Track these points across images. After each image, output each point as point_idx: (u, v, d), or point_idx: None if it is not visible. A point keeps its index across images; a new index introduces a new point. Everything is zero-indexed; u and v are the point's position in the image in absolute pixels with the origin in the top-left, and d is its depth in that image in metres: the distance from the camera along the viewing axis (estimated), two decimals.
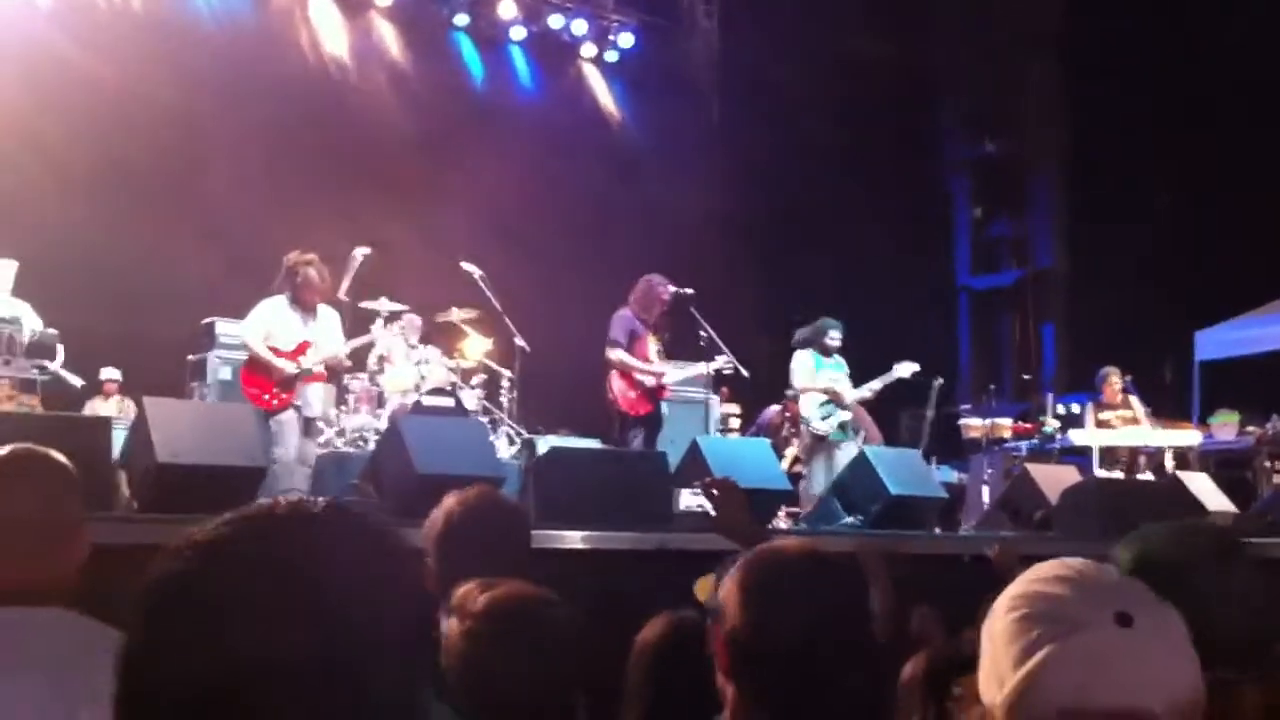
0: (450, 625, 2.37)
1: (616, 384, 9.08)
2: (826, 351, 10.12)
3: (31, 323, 7.55)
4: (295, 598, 1.03)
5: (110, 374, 11.00)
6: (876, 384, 10.15)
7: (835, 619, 2.09)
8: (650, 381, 9.10)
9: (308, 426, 8.27)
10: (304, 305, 8.31)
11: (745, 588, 2.09)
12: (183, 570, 1.04)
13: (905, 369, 10.23)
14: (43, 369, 7.29)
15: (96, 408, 10.66)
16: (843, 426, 9.94)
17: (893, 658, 3.02)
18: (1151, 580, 1.43)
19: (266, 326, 8.22)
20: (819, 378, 10.03)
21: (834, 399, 9.94)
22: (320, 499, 1.12)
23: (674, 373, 9.48)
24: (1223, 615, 1.79)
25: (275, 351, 8.17)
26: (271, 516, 1.08)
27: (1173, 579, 1.58)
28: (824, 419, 9.91)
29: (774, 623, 2.05)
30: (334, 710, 1.03)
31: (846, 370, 10.20)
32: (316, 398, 8.40)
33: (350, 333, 9.09)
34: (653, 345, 9.23)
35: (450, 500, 3.05)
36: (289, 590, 1.03)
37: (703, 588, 2.63)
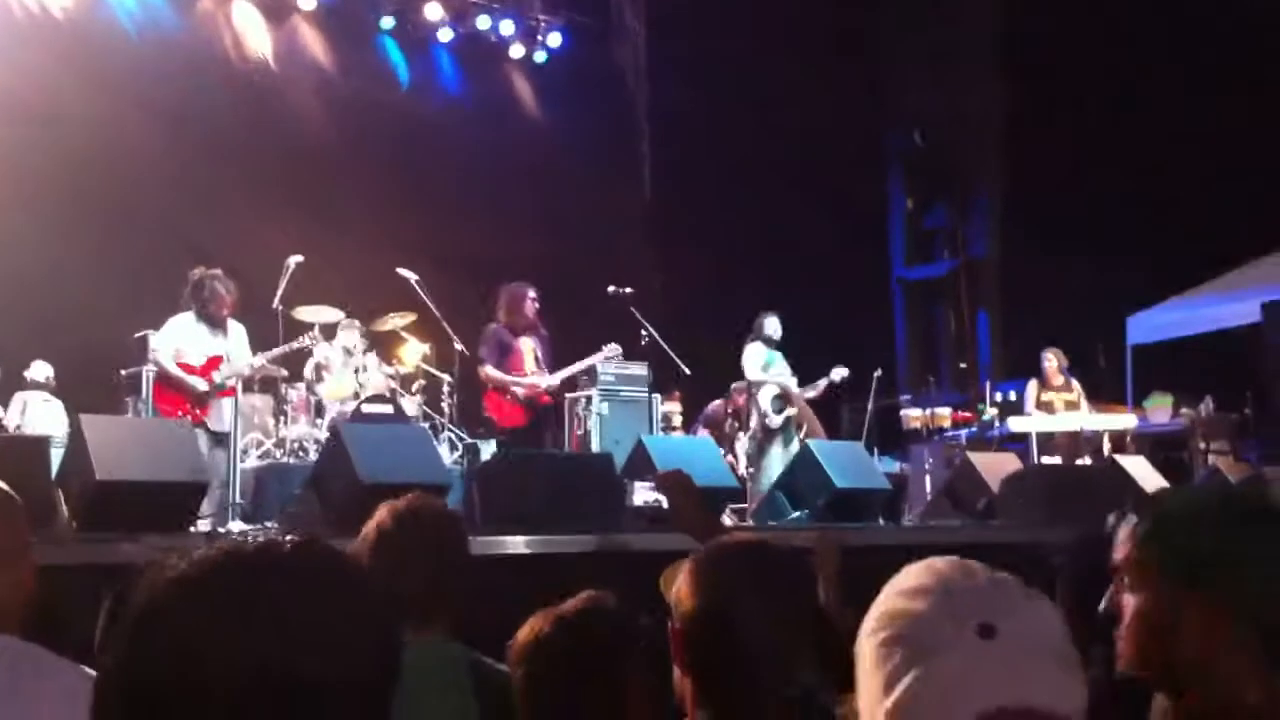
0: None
1: (491, 400, 9.24)
2: (772, 344, 10.33)
3: None
4: (261, 635, 1.08)
5: (41, 370, 10.64)
6: (818, 385, 10.46)
7: (785, 607, 2.11)
8: (523, 392, 9.12)
9: (218, 439, 8.29)
10: (212, 320, 8.40)
11: (696, 579, 2.12)
12: (156, 604, 1.10)
13: (838, 374, 10.56)
14: None
15: (26, 400, 10.39)
16: (789, 421, 10.10)
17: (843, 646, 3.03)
18: None
19: (176, 343, 8.31)
20: (771, 371, 10.21)
21: (784, 394, 10.12)
22: (290, 536, 1.17)
23: (557, 374, 9.48)
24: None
25: (186, 368, 8.27)
26: (240, 555, 1.13)
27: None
28: (778, 412, 10.11)
29: (725, 611, 2.07)
30: None
31: (788, 366, 10.40)
32: (227, 412, 8.45)
33: (286, 341, 9.04)
34: (529, 353, 9.28)
35: (381, 511, 3.00)
36: (255, 627, 1.09)
37: (669, 580, 2.64)
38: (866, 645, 1.32)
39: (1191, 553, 1.74)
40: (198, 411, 8.18)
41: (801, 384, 10.62)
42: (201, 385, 8.24)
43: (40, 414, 10.23)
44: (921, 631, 1.28)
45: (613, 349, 9.80)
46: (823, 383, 10.62)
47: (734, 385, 12.18)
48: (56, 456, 6.20)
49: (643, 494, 7.80)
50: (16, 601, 2.30)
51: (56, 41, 11.87)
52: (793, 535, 7.05)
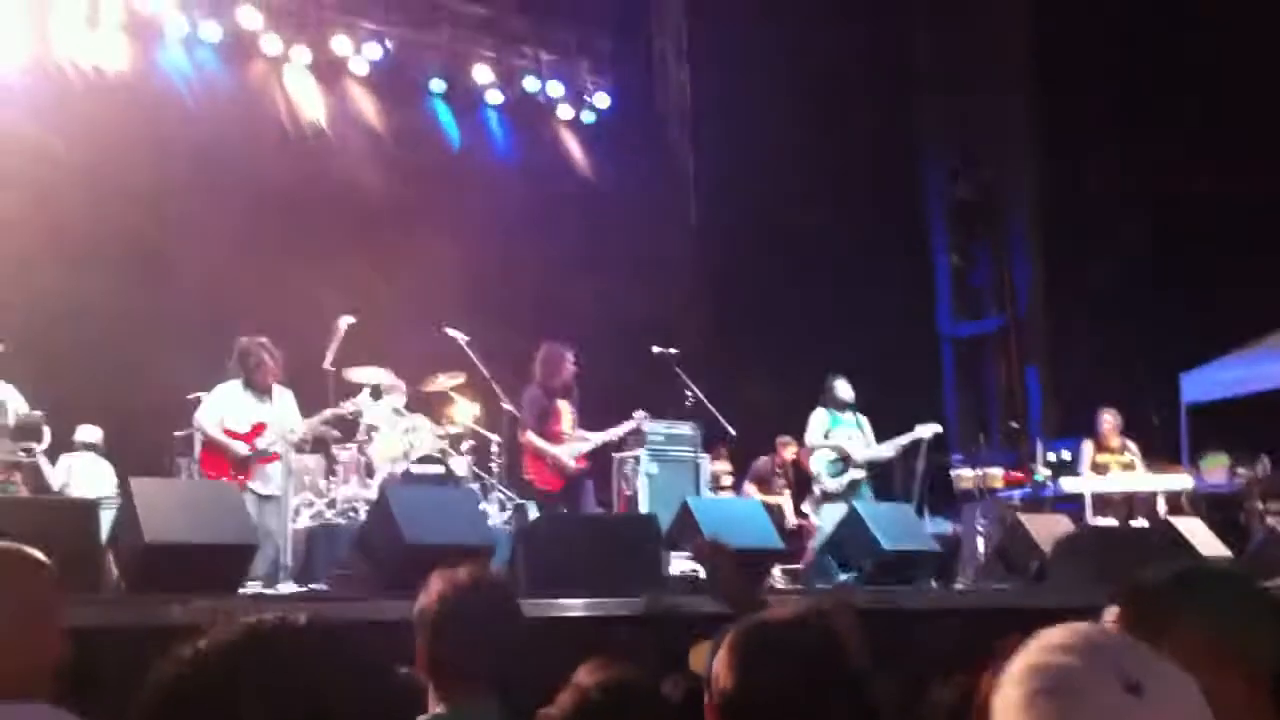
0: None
1: (530, 463, 9.34)
2: (840, 407, 10.28)
3: (16, 405, 7.54)
4: (276, 707, 1.15)
5: (91, 433, 10.78)
6: (894, 444, 10.36)
7: (822, 686, 2.14)
8: (560, 462, 9.23)
9: (264, 501, 8.43)
10: (258, 387, 8.59)
11: (735, 659, 2.15)
12: (178, 678, 1.19)
13: (927, 430, 10.40)
14: (29, 451, 7.24)
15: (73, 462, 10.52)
16: (854, 484, 10.04)
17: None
18: None
19: (221, 411, 8.51)
20: (834, 435, 10.18)
21: (844, 458, 10.08)
22: (303, 615, 1.19)
23: (590, 440, 9.49)
24: None
25: (230, 434, 8.45)
26: (256, 633, 1.20)
27: None
28: (834, 476, 10.07)
29: (763, 685, 2.10)
30: None
31: (868, 427, 10.30)
32: (276, 476, 8.60)
33: (336, 402, 9.14)
34: (566, 415, 9.38)
35: (440, 583, 3.01)
36: (269, 699, 1.15)
37: (698, 656, 2.65)
38: (1011, 696, 1.37)
39: None
40: (240, 477, 8.33)
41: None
42: (245, 451, 8.42)
43: (89, 475, 10.32)
44: (1072, 684, 1.34)
45: (642, 415, 9.82)
46: (904, 439, 10.45)
47: (779, 439, 12.16)
48: (106, 518, 6.26)
49: (680, 563, 7.77)
50: (45, 666, 2.39)
51: (111, 105, 12.09)
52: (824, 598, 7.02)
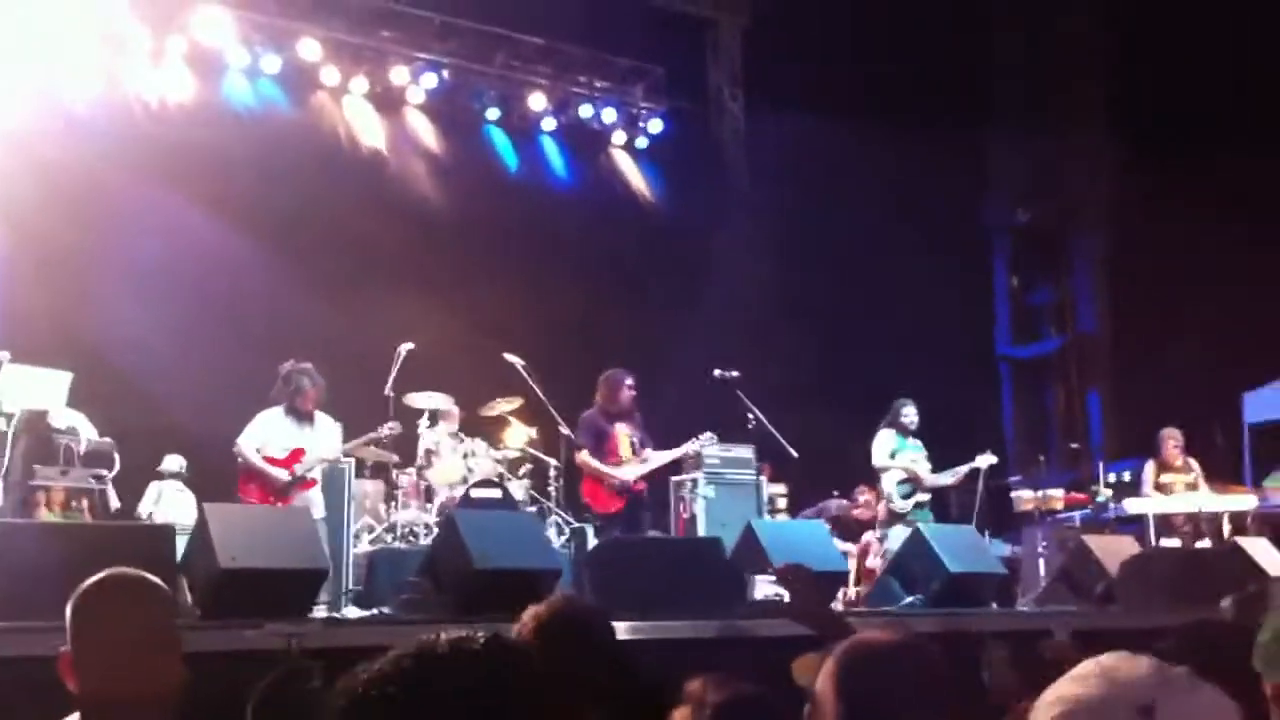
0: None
1: (587, 486, 9.33)
2: (905, 431, 10.29)
3: (87, 432, 7.67)
4: None
5: (174, 462, 11.01)
6: (953, 473, 10.35)
7: (927, 705, 2.13)
8: (617, 483, 9.19)
9: None
10: (299, 412, 8.68)
11: (840, 683, 2.15)
12: (360, 699, 1.22)
13: (985, 460, 10.45)
14: (100, 478, 7.37)
15: (160, 490, 10.74)
16: (920, 506, 10.05)
17: None
18: None
19: (261, 437, 8.59)
20: (900, 457, 10.18)
21: (912, 479, 10.08)
22: (480, 634, 1.21)
23: (649, 462, 9.48)
24: None
25: (269, 460, 8.53)
26: (435, 655, 1.24)
27: None
28: (904, 497, 10.08)
29: (869, 712, 2.10)
30: None
31: (924, 451, 10.32)
32: (318, 500, 8.68)
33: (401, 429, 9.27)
34: (624, 439, 9.37)
35: (535, 610, 3.08)
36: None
37: (802, 667, 2.66)
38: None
39: None
40: (278, 503, 8.40)
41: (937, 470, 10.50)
42: (283, 476, 8.51)
43: (174, 503, 10.58)
44: (1088, 712, 1.44)
45: (708, 438, 9.83)
46: (963, 469, 10.47)
47: (857, 490, 12.04)
48: (182, 544, 6.35)
49: (763, 587, 7.78)
50: (170, 689, 2.46)
51: (174, 137, 12.27)
52: (906, 622, 6.99)
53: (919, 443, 10.41)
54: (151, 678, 2.42)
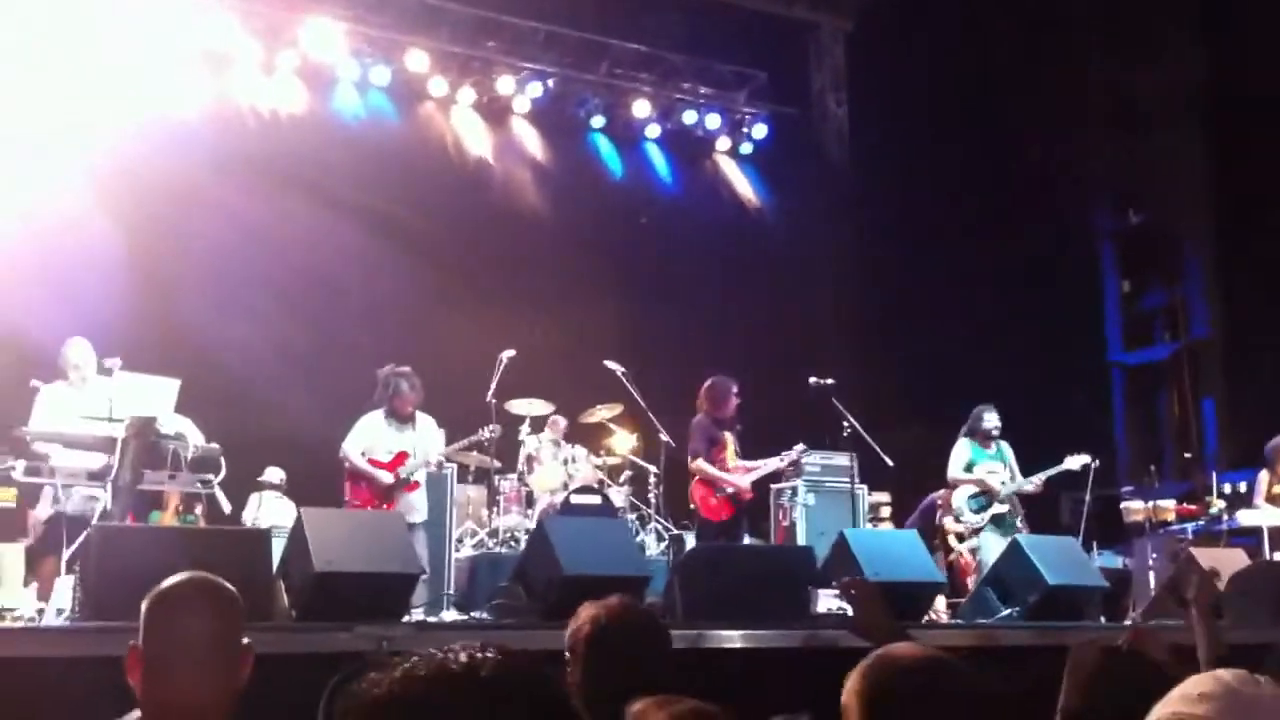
0: None
1: (699, 491, 9.31)
2: (986, 440, 9.93)
3: (195, 438, 7.90)
4: None
5: (274, 474, 11.32)
6: (1042, 476, 9.97)
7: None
8: (730, 490, 9.22)
9: (412, 530, 8.48)
10: (400, 416, 8.84)
11: (863, 695, 2.16)
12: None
13: (1076, 461, 9.99)
14: (207, 482, 7.57)
15: (262, 498, 11.03)
16: (997, 519, 9.73)
17: None
18: None
19: (364, 441, 8.79)
20: (976, 469, 9.87)
21: (985, 492, 9.79)
22: (489, 652, 1.29)
23: (757, 469, 9.54)
24: None
25: (374, 463, 8.73)
26: (441, 676, 1.26)
27: None
28: (975, 511, 9.78)
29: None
30: None
31: (1011, 458, 9.98)
32: (420, 503, 8.85)
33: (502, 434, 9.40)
34: (730, 446, 9.39)
35: (593, 609, 3.11)
36: None
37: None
38: None
39: None
40: (384, 506, 8.58)
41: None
42: (388, 479, 8.69)
43: (274, 510, 10.88)
44: None
45: (800, 449, 9.80)
46: (1041, 476, 9.96)
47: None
48: (278, 547, 6.50)
49: (827, 600, 7.72)
50: (229, 696, 2.54)
51: (283, 147, 12.59)
52: (1002, 635, 6.90)
53: (1000, 450, 10.02)
54: (209, 685, 2.47)
